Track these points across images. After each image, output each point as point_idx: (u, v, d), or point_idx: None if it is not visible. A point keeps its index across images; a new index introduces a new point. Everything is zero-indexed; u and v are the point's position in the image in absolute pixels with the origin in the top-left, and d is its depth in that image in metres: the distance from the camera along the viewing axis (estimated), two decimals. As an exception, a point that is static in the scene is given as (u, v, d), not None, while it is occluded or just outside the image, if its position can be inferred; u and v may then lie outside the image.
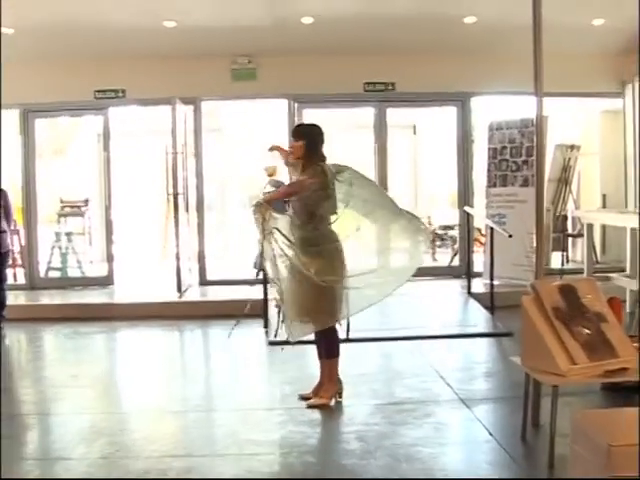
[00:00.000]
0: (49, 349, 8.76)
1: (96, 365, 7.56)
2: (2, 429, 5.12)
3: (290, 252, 5.59)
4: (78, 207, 13.79)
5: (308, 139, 5.74)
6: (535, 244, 5.13)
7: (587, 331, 4.35)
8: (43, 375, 7.21)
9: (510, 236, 8.99)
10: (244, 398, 6.10)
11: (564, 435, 4.12)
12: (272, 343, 7.79)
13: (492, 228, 9.35)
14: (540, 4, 5.04)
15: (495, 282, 9.41)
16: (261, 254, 5.80)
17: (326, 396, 5.72)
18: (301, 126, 5.76)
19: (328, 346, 5.83)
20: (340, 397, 5.81)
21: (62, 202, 13.90)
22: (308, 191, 5.60)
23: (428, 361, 7.09)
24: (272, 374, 7.12)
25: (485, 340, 8.11)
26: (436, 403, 5.75)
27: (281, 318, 5.75)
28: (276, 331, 5.85)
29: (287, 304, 5.66)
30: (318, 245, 5.61)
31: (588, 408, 5.12)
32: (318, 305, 5.60)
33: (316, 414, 5.55)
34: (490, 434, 4.99)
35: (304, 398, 5.80)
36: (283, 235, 5.58)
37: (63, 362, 7.80)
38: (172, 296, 10.32)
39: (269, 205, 5.60)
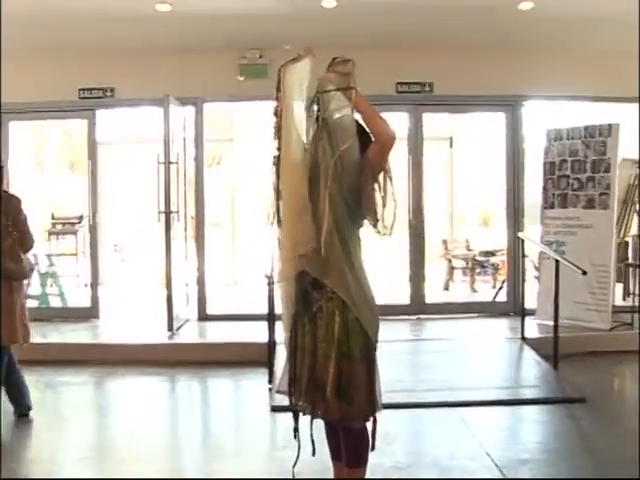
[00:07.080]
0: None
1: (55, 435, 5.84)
2: None
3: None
4: (71, 224, 12.28)
5: None
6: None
7: None
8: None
9: (584, 273, 7.17)
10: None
11: None
12: (275, 409, 6.12)
13: (557, 260, 7.46)
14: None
15: (550, 322, 7.57)
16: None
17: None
18: None
19: (354, 449, 3.75)
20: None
21: (54, 218, 12.44)
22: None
23: (480, 443, 5.27)
24: (271, 461, 5.24)
25: (551, 408, 6.25)
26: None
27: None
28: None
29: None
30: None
31: None
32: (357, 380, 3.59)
33: None
34: None
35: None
36: None
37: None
38: (163, 336, 8.66)
39: None
